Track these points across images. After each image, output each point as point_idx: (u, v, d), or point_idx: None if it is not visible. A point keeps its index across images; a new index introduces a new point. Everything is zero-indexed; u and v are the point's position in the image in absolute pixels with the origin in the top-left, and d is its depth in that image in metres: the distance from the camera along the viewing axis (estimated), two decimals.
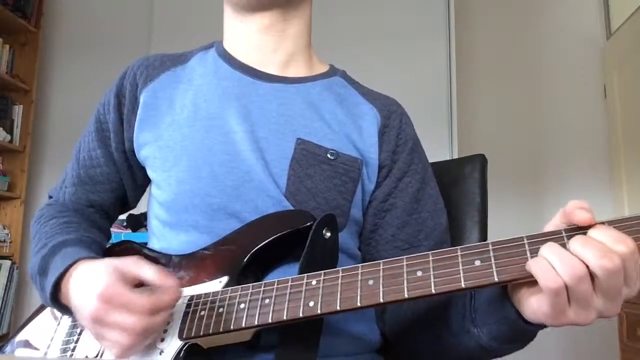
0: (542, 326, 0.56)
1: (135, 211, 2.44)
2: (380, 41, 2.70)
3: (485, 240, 0.96)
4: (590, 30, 2.97)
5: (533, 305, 0.52)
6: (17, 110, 3.06)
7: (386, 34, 2.71)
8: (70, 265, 0.67)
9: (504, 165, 2.78)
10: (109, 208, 0.89)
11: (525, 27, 3.02)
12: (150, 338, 0.62)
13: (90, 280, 0.62)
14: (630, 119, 2.65)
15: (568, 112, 2.91)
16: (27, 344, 0.78)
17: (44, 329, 0.78)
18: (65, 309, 0.69)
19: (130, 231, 2.37)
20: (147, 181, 0.88)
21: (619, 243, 0.47)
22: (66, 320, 0.76)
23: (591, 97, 2.90)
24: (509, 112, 2.95)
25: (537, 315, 0.52)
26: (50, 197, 0.93)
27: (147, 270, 0.62)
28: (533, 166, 2.89)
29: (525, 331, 0.57)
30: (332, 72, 0.89)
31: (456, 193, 1.00)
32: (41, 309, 0.82)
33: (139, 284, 0.63)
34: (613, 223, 0.50)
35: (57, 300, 0.69)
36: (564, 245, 0.50)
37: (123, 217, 2.42)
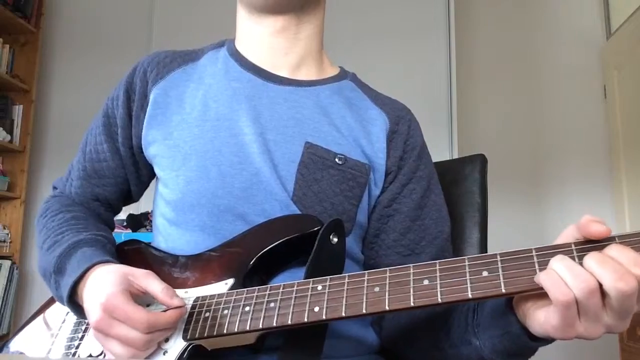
0: (545, 342, 0.56)
1: (135, 211, 2.45)
2: (380, 41, 2.70)
3: (485, 240, 0.98)
4: (590, 30, 2.97)
5: (540, 319, 0.52)
6: (17, 110, 3.05)
7: (386, 34, 2.71)
8: (88, 269, 0.68)
9: (504, 165, 2.79)
10: (113, 201, 0.89)
11: (525, 27, 3.02)
12: (150, 351, 0.63)
13: (99, 288, 0.63)
14: (630, 119, 2.66)
15: (568, 112, 2.91)
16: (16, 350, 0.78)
17: (37, 339, 0.78)
18: (80, 310, 0.70)
19: (130, 231, 2.37)
20: (151, 177, 0.88)
21: (637, 265, 0.46)
22: (69, 321, 0.76)
23: (591, 97, 2.91)
24: (509, 112, 2.95)
25: (545, 328, 0.52)
26: (55, 188, 0.93)
27: (155, 286, 0.64)
28: (533, 166, 2.89)
29: (528, 346, 0.57)
30: (343, 75, 0.89)
31: (456, 193, 1.01)
32: (31, 319, 0.82)
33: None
34: (624, 238, 0.49)
35: (74, 300, 0.70)
36: (573, 259, 0.49)
37: (123, 217, 2.42)
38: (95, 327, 0.61)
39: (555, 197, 2.82)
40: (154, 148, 0.81)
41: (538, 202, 2.84)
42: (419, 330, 0.74)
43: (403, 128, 0.83)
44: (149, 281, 0.64)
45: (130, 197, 0.92)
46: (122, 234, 2.29)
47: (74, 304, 0.70)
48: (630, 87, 2.66)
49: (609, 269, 0.46)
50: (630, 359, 2.17)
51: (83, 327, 0.73)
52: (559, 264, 0.49)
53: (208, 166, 0.76)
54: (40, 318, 0.81)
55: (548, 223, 2.78)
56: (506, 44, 3.01)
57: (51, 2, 3.27)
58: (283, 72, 0.84)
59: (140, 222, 2.37)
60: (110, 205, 0.90)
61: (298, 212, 0.74)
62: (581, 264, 0.48)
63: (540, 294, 0.51)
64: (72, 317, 0.76)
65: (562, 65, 2.95)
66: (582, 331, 0.49)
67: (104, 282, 0.63)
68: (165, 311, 0.63)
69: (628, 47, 2.68)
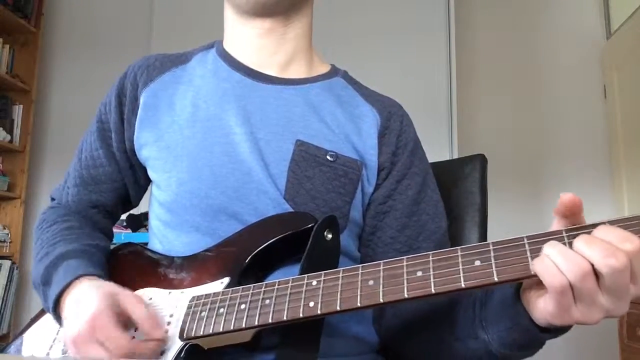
0: (554, 333, 0.55)
1: (135, 211, 2.45)
2: (380, 41, 2.70)
3: (485, 240, 0.97)
4: (590, 30, 2.97)
5: (540, 306, 0.52)
6: (17, 110, 3.06)
7: (386, 34, 2.71)
8: (71, 282, 0.68)
9: (504, 165, 2.78)
10: (111, 208, 0.89)
11: (525, 27, 3.02)
12: None
13: (84, 303, 0.63)
14: (630, 119, 2.65)
15: (568, 112, 2.91)
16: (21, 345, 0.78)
17: (45, 334, 0.78)
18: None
19: (130, 231, 2.37)
20: (149, 180, 0.88)
21: (626, 241, 0.47)
22: None
23: (591, 97, 2.90)
24: (509, 112, 2.95)
25: (544, 315, 0.52)
26: (53, 199, 0.93)
27: (138, 312, 0.63)
28: (533, 166, 2.89)
29: (537, 338, 0.56)
30: (333, 72, 0.89)
31: (456, 193, 1.01)
32: (41, 314, 0.82)
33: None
34: (615, 223, 0.49)
35: (57, 312, 0.69)
36: (564, 245, 0.50)
37: (123, 217, 2.41)
38: (72, 340, 0.60)
39: (555, 197, 2.77)
40: (146, 151, 0.81)
41: (538, 202, 2.84)
42: (421, 324, 0.74)
43: (395, 124, 0.83)
44: (134, 307, 0.63)
45: (129, 202, 0.92)
46: (122, 234, 2.29)
47: (59, 315, 0.69)
48: (630, 87, 2.66)
49: (598, 248, 0.47)
50: (630, 359, 2.16)
51: None
52: (552, 250, 0.49)
53: (200, 167, 0.76)
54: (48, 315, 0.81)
55: (548, 223, 2.73)
56: (506, 43, 3.01)
57: (51, 2, 3.27)
58: (272, 71, 0.84)
59: (140, 222, 2.37)
60: (108, 212, 0.89)
61: (291, 210, 0.74)
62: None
63: (541, 283, 0.51)
64: None
65: (562, 65, 2.95)
66: (580, 316, 0.49)
67: (89, 298, 0.62)
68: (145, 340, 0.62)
69: (628, 47, 2.68)
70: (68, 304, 0.65)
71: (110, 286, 0.65)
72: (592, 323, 0.49)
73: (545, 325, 0.54)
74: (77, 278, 0.68)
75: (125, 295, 0.64)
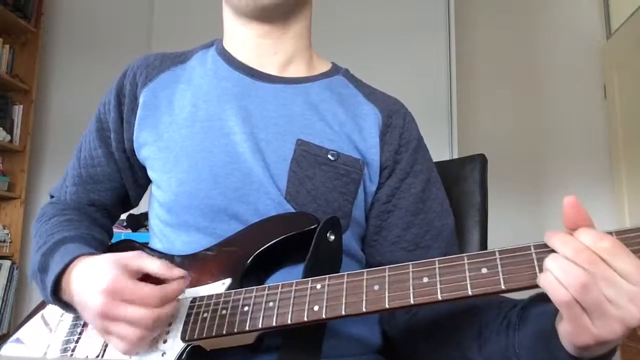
0: None
1: (135, 211, 2.45)
2: (380, 40, 2.70)
3: (485, 240, 0.97)
4: (590, 30, 2.97)
5: (561, 328, 0.50)
6: (17, 110, 3.06)
7: (386, 34, 2.71)
8: (71, 262, 0.67)
9: (504, 165, 2.78)
10: (110, 207, 0.89)
11: (525, 26, 3.02)
12: (157, 332, 0.62)
13: (94, 275, 0.62)
14: (630, 119, 2.65)
15: (568, 112, 2.91)
16: (17, 341, 0.78)
17: (35, 332, 0.77)
18: (67, 306, 0.69)
19: (130, 231, 2.37)
20: (149, 180, 0.87)
21: (601, 240, 0.46)
22: (66, 321, 0.76)
23: (591, 97, 2.90)
24: (509, 112, 2.95)
25: (566, 337, 0.50)
26: (52, 196, 0.93)
27: (150, 263, 0.62)
28: (533, 166, 2.89)
29: None
30: (334, 71, 0.89)
31: (456, 193, 1.00)
32: (33, 313, 0.82)
33: (142, 277, 0.63)
34: (620, 234, 0.48)
35: (58, 296, 0.69)
36: None
37: (123, 217, 2.41)
38: (99, 313, 0.59)
39: (555, 197, 2.82)
40: (146, 150, 0.81)
41: (538, 202, 2.84)
42: (437, 327, 0.72)
43: (397, 122, 0.83)
44: (143, 261, 0.63)
45: (129, 202, 0.91)
46: (121, 234, 2.29)
47: (60, 300, 0.69)
48: (630, 87, 2.66)
49: (576, 255, 0.46)
50: (630, 359, 2.16)
51: (78, 330, 0.73)
52: (553, 264, 0.48)
53: (199, 167, 0.75)
54: (38, 316, 0.81)
55: (548, 223, 2.78)
56: (506, 43, 3.01)
57: (51, 2, 3.27)
58: (271, 70, 0.84)
59: (140, 222, 2.37)
60: (106, 211, 0.89)
61: (292, 210, 0.73)
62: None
63: None
64: (68, 318, 0.76)
65: (562, 65, 2.94)
66: (598, 331, 0.46)
67: (98, 269, 0.62)
68: None
69: (628, 47, 2.68)
70: (77, 285, 0.64)
71: (112, 255, 0.64)
72: (615, 337, 0.46)
73: (575, 352, 0.51)
74: (75, 259, 0.67)
75: (130, 256, 0.64)
